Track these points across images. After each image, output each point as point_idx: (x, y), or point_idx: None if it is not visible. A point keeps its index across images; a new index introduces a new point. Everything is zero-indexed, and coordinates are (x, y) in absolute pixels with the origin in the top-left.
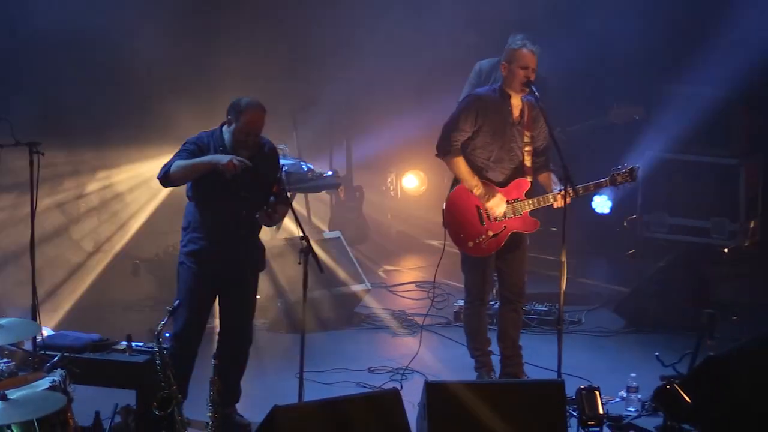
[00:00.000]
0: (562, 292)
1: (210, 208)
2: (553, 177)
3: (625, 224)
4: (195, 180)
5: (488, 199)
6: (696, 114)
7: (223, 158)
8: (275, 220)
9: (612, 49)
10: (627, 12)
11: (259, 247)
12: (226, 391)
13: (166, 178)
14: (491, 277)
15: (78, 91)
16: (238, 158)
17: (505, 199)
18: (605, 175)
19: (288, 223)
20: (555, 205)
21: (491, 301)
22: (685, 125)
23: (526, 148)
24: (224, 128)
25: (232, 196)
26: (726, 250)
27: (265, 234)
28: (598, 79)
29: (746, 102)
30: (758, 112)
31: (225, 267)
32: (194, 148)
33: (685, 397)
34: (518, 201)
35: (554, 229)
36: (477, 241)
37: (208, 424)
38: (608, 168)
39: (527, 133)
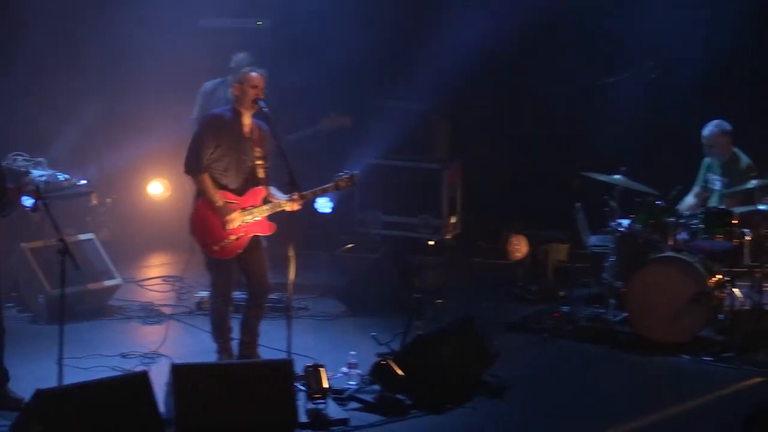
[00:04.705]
0: (290, 282)
1: None
2: (272, 189)
3: (344, 221)
4: None
5: (225, 215)
6: (403, 125)
7: None
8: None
9: (330, 67)
10: (344, 35)
11: None
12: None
13: None
14: (234, 276)
15: None
16: None
17: (241, 212)
18: (328, 181)
19: (47, 227)
20: (287, 209)
21: (242, 292)
22: (394, 135)
23: (258, 162)
24: None
25: None
26: (431, 243)
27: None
28: (317, 95)
29: (446, 113)
30: (456, 122)
31: None
32: None
33: (398, 370)
34: (256, 207)
35: (283, 228)
36: (221, 245)
37: None
38: (330, 173)
39: (257, 149)
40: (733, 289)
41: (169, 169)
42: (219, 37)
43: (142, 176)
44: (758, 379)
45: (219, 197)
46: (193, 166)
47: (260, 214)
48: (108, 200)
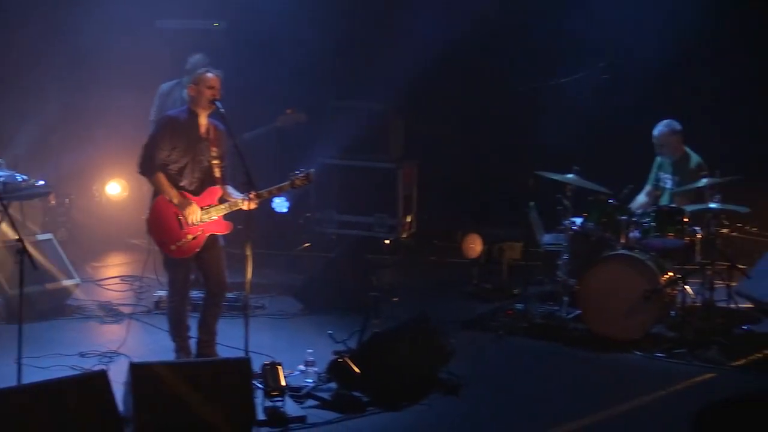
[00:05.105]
0: (247, 281)
1: None
2: (230, 189)
3: (301, 221)
4: None
5: (185, 208)
6: (359, 125)
7: None
8: None
9: (285, 67)
10: (300, 35)
11: None
12: None
13: None
14: (190, 274)
15: None
16: None
17: (199, 208)
18: (285, 179)
19: (5, 227)
20: (244, 208)
21: (199, 291)
22: (350, 135)
23: (214, 161)
24: None
25: None
26: (387, 242)
27: None
28: (273, 95)
29: (401, 113)
30: (411, 122)
31: None
32: None
33: (355, 368)
34: (212, 207)
35: (240, 227)
36: (178, 245)
37: None
38: (287, 173)
39: (214, 149)
40: (685, 287)
41: (127, 170)
42: (176, 39)
43: (100, 177)
44: (709, 375)
45: (176, 193)
46: (147, 166)
47: (217, 213)
48: (66, 200)
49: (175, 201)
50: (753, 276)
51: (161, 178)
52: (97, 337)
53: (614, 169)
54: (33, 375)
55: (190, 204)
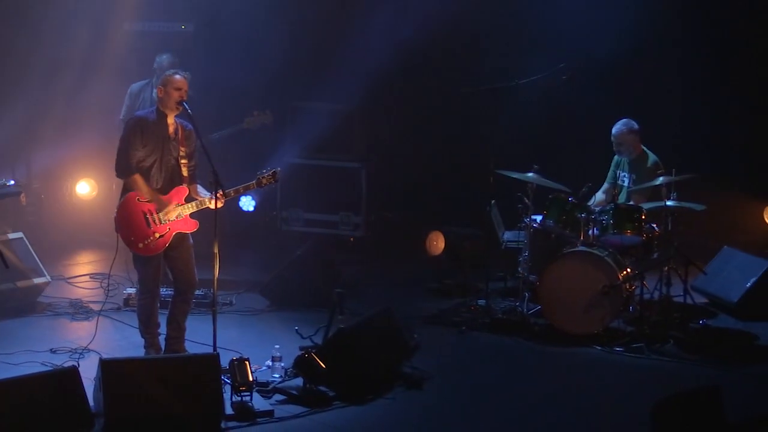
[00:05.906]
0: (215, 278)
1: None
2: (199, 188)
3: (267, 220)
4: None
5: (161, 209)
6: (323, 125)
7: None
8: None
9: (251, 68)
10: (265, 37)
11: None
12: None
13: None
14: (160, 272)
15: None
16: None
17: (174, 210)
18: (251, 179)
19: None
20: (211, 207)
21: (167, 289)
22: (315, 135)
23: (182, 161)
24: None
25: None
26: (351, 239)
27: None
28: (239, 96)
29: (363, 114)
30: (374, 121)
31: None
32: None
33: (321, 363)
34: (179, 205)
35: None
36: (146, 242)
37: None
38: (254, 172)
39: (182, 149)
40: (643, 282)
41: (97, 170)
42: (145, 40)
43: (70, 176)
44: (666, 369)
45: (154, 195)
46: (124, 168)
47: (184, 211)
48: (37, 200)
49: (151, 200)
50: (709, 272)
51: (139, 179)
52: (68, 334)
53: (573, 167)
54: (4, 371)
55: (166, 205)
